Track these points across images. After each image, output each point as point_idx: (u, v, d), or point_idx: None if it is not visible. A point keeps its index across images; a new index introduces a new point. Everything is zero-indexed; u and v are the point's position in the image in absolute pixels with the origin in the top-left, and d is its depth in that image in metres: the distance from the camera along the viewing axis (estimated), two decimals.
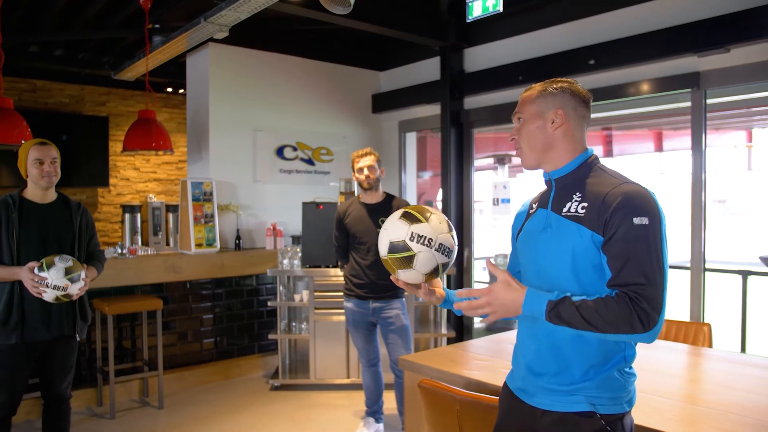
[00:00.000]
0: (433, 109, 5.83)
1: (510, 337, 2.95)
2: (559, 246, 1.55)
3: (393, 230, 1.65)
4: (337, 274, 4.74)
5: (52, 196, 2.97)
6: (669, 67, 4.14)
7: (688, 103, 4.09)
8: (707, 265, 4.10)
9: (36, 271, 2.67)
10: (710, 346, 3.03)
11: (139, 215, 7.67)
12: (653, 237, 1.44)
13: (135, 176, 8.17)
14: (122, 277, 4.56)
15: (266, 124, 5.77)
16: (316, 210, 4.84)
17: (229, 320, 5.29)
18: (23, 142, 3.93)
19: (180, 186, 5.23)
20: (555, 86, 1.62)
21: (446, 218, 1.72)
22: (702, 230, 4.03)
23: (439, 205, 5.87)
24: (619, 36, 4.28)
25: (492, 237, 7.93)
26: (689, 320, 3.95)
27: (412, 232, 1.61)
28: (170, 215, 7.76)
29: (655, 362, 2.59)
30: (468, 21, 4.67)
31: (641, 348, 2.76)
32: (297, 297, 4.97)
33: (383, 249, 1.68)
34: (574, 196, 1.56)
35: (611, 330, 1.41)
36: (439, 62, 5.62)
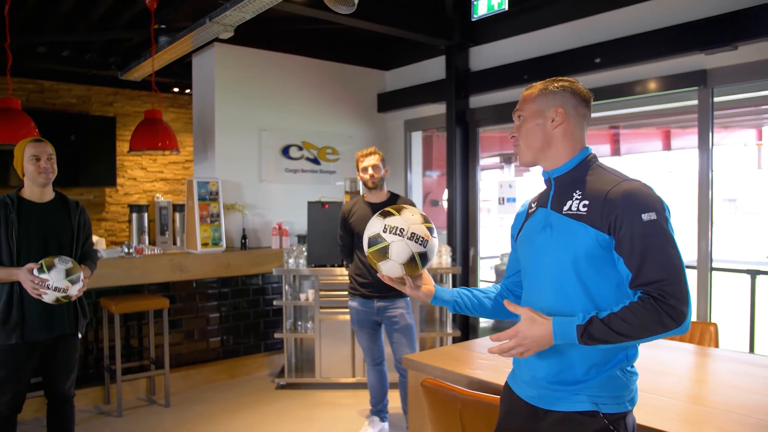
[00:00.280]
0: (439, 108, 5.82)
1: None
2: (561, 244, 1.55)
3: (371, 227, 1.74)
4: (342, 274, 4.75)
5: (49, 194, 2.97)
6: (675, 65, 4.11)
7: (695, 102, 4.07)
8: (715, 265, 4.08)
9: (36, 272, 2.66)
10: (716, 346, 3.01)
11: (146, 215, 7.70)
12: (664, 230, 1.44)
13: (142, 176, 8.21)
14: (129, 276, 4.58)
15: (272, 123, 5.79)
16: (321, 209, 4.84)
17: (235, 319, 5.31)
18: None
19: (186, 186, 5.25)
20: (556, 85, 1.62)
21: (422, 213, 1.77)
22: (709, 229, 4.01)
23: (445, 204, 5.87)
24: (625, 34, 4.26)
25: (499, 236, 7.91)
26: (696, 320, 3.93)
27: (385, 225, 1.70)
28: (177, 215, 7.78)
29: (660, 362, 2.58)
30: (473, 20, 4.65)
31: (646, 348, 2.75)
32: (303, 296, 4.98)
33: (365, 246, 1.76)
34: (574, 194, 1.56)
35: (645, 334, 1.41)
36: (444, 61, 5.61)
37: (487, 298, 1.84)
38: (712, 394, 2.24)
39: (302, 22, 5.41)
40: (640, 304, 1.41)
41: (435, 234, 1.74)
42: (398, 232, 1.68)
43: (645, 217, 1.43)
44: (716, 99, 4.06)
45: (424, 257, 1.70)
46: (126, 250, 4.72)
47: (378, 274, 1.77)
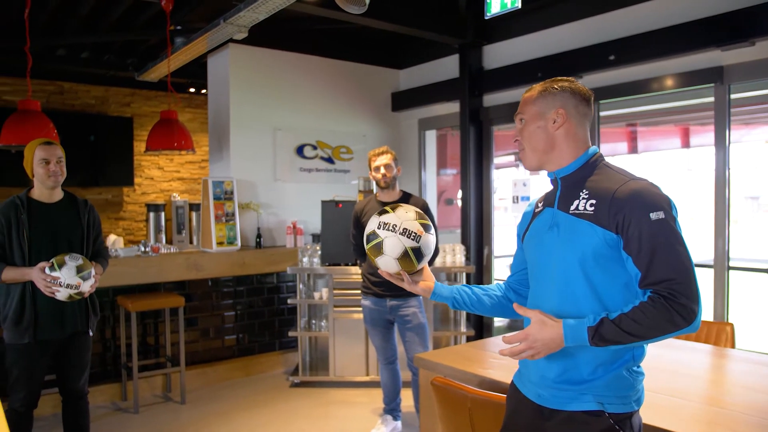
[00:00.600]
0: (453, 107, 5.82)
1: None
2: (568, 244, 1.55)
3: (369, 225, 1.80)
4: (356, 272, 4.76)
5: (58, 195, 3.01)
6: (691, 62, 4.07)
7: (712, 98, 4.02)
8: (735, 263, 4.03)
9: (47, 270, 2.71)
10: (733, 346, 2.97)
11: (163, 214, 7.79)
12: (672, 228, 1.44)
13: (159, 175, 8.30)
14: (145, 274, 4.64)
15: (286, 123, 5.82)
16: (335, 208, 4.86)
17: (251, 317, 5.35)
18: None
19: (201, 185, 5.30)
20: (555, 86, 1.62)
21: (419, 211, 1.80)
22: (726, 228, 3.96)
23: (459, 203, 5.86)
24: (640, 31, 4.22)
25: (514, 235, 7.87)
26: (712, 320, 3.88)
27: (380, 222, 1.77)
28: (193, 214, 7.86)
29: (674, 362, 2.56)
30: (486, 18, 4.64)
31: (660, 348, 2.73)
32: (317, 295, 5.00)
33: (364, 243, 1.81)
34: (581, 193, 1.56)
35: (656, 333, 1.41)
36: (457, 60, 5.60)
37: (487, 296, 1.84)
38: (726, 396, 2.21)
39: (316, 22, 5.43)
40: (651, 304, 1.41)
41: (432, 231, 1.78)
42: (391, 228, 1.73)
43: (653, 216, 1.43)
44: (736, 95, 4.01)
45: (417, 252, 1.73)
46: (142, 248, 4.78)
47: (379, 270, 1.82)
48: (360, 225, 3.77)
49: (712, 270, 4.02)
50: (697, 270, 1.46)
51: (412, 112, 6.45)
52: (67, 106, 7.44)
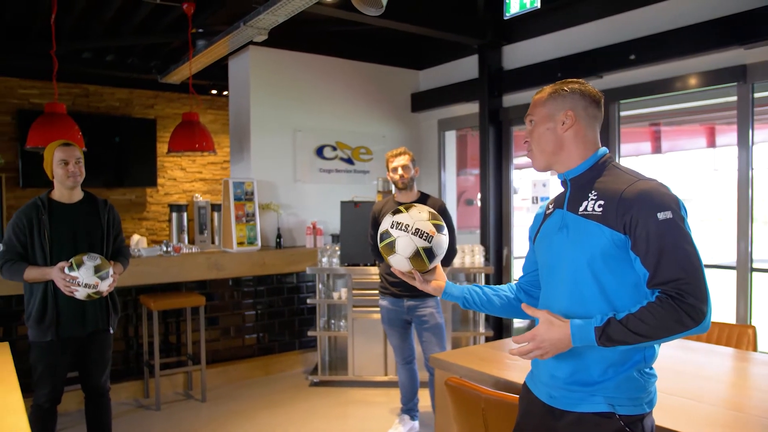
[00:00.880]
0: (472, 108, 5.81)
1: None
2: (577, 245, 1.55)
3: (382, 224, 1.82)
4: (375, 273, 4.78)
5: (78, 195, 3.07)
6: (713, 61, 4.01)
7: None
8: (757, 265, 3.96)
9: (66, 270, 2.78)
10: (755, 349, 2.93)
11: (185, 214, 7.88)
12: (680, 228, 1.43)
13: (182, 176, 8.41)
14: (167, 274, 4.71)
15: (306, 124, 5.87)
16: (353, 209, 4.89)
17: (271, 317, 5.40)
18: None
19: (222, 186, 5.37)
20: (565, 87, 1.62)
21: (432, 211, 1.82)
22: (749, 228, 3.89)
23: (479, 203, 5.84)
24: (660, 30, 4.17)
25: None
26: (734, 322, 3.82)
27: (393, 221, 1.79)
28: (215, 214, 7.94)
29: (692, 365, 2.53)
30: (505, 18, 4.62)
31: (678, 350, 2.70)
32: (336, 295, 5.04)
33: (378, 242, 1.83)
34: (590, 194, 1.56)
35: (664, 334, 1.41)
36: (477, 60, 5.59)
37: (497, 296, 1.85)
38: (745, 399, 2.19)
39: (335, 23, 5.46)
40: (659, 304, 1.40)
41: (444, 232, 1.80)
42: (404, 227, 1.76)
43: (661, 216, 1.43)
44: (760, 94, 3.94)
45: (429, 252, 1.75)
46: (164, 248, 4.86)
47: (391, 268, 1.84)
48: (377, 225, 3.77)
49: (734, 272, 3.96)
50: (708, 271, 1.45)
51: (432, 112, 6.45)
52: (92, 108, 7.58)
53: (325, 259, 5.01)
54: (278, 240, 5.55)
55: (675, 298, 1.39)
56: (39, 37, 5.73)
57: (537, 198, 5.25)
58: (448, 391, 2.09)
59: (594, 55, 4.61)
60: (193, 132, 5.06)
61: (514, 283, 1.92)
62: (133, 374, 4.70)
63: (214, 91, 8.15)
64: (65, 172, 2.96)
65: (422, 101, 6.45)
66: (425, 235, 1.75)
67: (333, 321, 5.14)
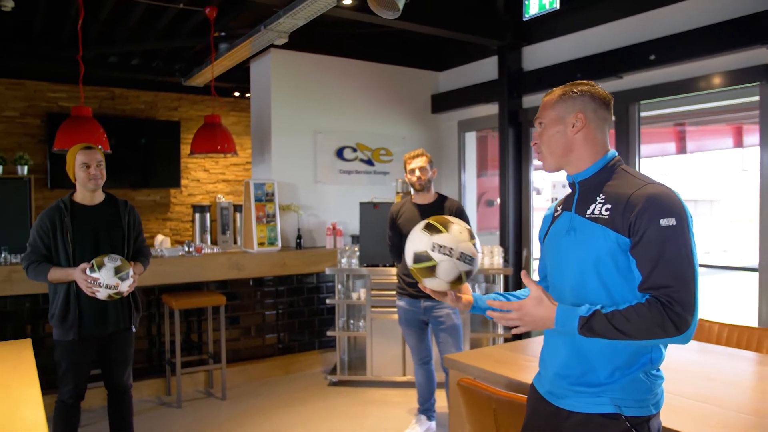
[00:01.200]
0: (492, 109, 5.79)
1: None
2: (583, 248, 1.56)
3: (417, 241, 1.71)
4: (394, 273, 4.80)
5: (100, 197, 3.15)
6: (734, 61, 3.95)
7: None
8: None
9: (88, 272, 2.85)
10: None
11: (208, 215, 8.01)
12: (682, 238, 1.43)
13: (205, 177, 8.53)
14: (189, 273, 4.80)
15: (326, 126, 5.92)
16: (373, 210, 4.92)
17: (291, 317, 5.46)
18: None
19: (243, 187, 5.44)
20: (575, 90, 1.62)
21: (468, 227, 1.75)
22: None
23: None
24: (680, 30, 4.12)
25: None
26: (756, 325, 3.76)
27: (434, 243, 1.67)
28: (237, 215, 8.06)
29: (709, 368, 2.50)
30: (525, 19, 4.62)
31: (695, 353, 2.68)
32: (355, 295, 5.07)
33: (409, 260, 1.73)
34: (597, 198, 1.56)
35: (645, 336, 1.42)
36: (497, 61, 5.58)
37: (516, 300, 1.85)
38: (762, 404, 2.15)
39: (355, 26, 5.50)
40: (646, 306, 1.42)
41: (479, 247, 1.73)
42: (448, 252, 1.65)
43: (663, 222, 1.43)
44: None
45: (469, 274, 1.71)
46: (186, 248, 4.94)
47: (419, 285, 1.76)
48: (395, 227, 3.81)
49: (756, 274, 3.90)
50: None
51: (452, 113, 6.45)
52: (118, 111, 7.74)
53: (344, 260, 5.05)
54: (298, 240, 5.61)
55: (664, 304, 1.40)
56: (67, 42, 5.88)
57: (556, 199, 5.23)
58: (460, 391, 2.10)
59: (613, 56, 4.58)
60: (214, 134, 5.14)
61: None
62: (156, 372, 4.80)
63: (236, 94, 8.26)
64: (87, 175, 3.04)
65: (442, 102, 6.46)
66: (468, 258, 1.67)
67: (352, 321, 5.18)
